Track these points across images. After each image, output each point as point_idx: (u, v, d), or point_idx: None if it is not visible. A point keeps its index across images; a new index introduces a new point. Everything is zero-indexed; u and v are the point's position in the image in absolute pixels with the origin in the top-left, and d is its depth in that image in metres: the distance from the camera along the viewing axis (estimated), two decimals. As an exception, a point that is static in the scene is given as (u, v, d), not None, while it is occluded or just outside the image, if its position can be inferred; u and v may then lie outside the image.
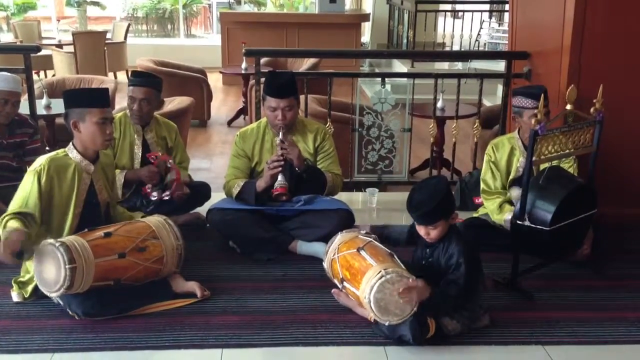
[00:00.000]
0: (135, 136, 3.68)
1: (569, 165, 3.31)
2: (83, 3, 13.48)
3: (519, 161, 3.40)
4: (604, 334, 2.74)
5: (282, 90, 3.38)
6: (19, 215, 2.70)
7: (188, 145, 5.31)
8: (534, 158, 2.83)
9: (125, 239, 2.78)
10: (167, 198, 3.50)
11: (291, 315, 2.83)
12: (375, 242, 2.80)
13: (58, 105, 5.03)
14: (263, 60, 6.17)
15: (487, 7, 10.63)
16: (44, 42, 9.91)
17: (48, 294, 2.67)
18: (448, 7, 10.10)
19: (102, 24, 14.28)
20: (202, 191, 3.81)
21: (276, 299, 2.96)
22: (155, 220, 2.96)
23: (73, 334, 2.64)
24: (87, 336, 2.63)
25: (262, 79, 3.88)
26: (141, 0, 15.49)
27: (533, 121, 2.79)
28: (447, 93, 4.79)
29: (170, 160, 3.56)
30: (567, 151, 2.99)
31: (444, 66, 9.52)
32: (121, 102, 6.14)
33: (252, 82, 6.22)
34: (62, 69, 8.93)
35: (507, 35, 6.33)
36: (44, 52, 8.02)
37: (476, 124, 4.44)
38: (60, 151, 2.91)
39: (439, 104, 5.05)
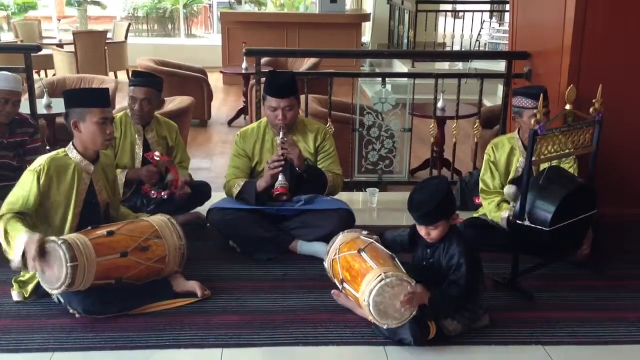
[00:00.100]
0: (136, 136, 3.68)
1: (569, 165, 3.32)
2: (83, 2, 13.49)
3: (518, 161, 3.40)
4: (603, 334, 2.74)
5: (283, 90, 3.38)
6: (19, 215, 2.71)
7: (188, 144, 5.31)
8: (533, 158, 2.84)
9: (128, 237, 2.78)
10: (165, 197, 3.50)
11: (291, 314, 2.83)
12: (377, 244, 2.79)
13: (58, 105, 5.03)
14: (263, 60, 6.17)
15: (487, 7, 10.63)
16: (45, 41, 9.92)
17: (49, 291, 2.67)
18: (448, 7, 10.10)
19: (102, 23, 14.29)
20: (202, 191, 3.81)
21: (276, 299, 2.97)
22: (158, 219, 2.96)
23: (73, 333, 2.65)
24: (87, 335, 2.63)
25: (263, 79, 3.89)
26: (142, -1, 15.53)
27: (533, 121, 2.79)
28: (448, 93, 4.79)
29: (168, 161, 3.55)
30: (567, 151, 2.99)
31: (444, 66, 9.52)
32: (121, 102, 6.14)
33: (252, 81, 6.22)
34: (62, 69, 8.93)
35: (507, 35, 6.34)
36: (44, 51, 8.02)
37: (476, 124, 4.44)
38: (60, 151, 2.91)
39: (440, 104, 5.05)
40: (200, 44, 13.59)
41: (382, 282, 2.48)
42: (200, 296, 2.91)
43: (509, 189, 3.27)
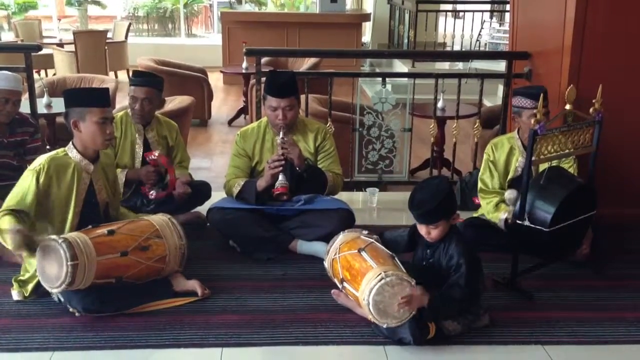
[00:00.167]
0: (137, 135, 3.69)
1: (569, 166, 3.32)
2: (84, 2, 13.49)
3: (517, 161, 3.40)
4: (603, 334, 2.74)
5: (283, 90, 3.38)
6: (13, 212, 2.71)
7: (188, 144, 5.31)
8: (533, 158, 2.84)
9: (129, 237, 2.78)
10: (162, 198, 3.51)
11: (291, 314, 2.83)
12: (377, 244, 2.79)
13: (59, 104, 5.03)
14: (264, 59, 6.18)
15: (488, 7, 10.63)
16: (45, 41, 9.92)
17: (49, 290, 2.68)
18: (449, 7, 10.10)
19: (102, 23, 14.30)
20: (202, 190, 3.81)
21: (276, 298, 2.97)
22: (159, 219, 2.96)
23: (73, 332, 2.65)
24: (87, 335, 2.63)
25: (263, 79, 3.88)
26: (142, -1, 15.53)
27: (532, 121, 2.79)
28: (448, 93, 4.80)
29: (166, 162, 3.55)
30: (567, 151, 2.99)
31: (444, 66, 9.52)
32: (122, 102, 6.14)
33: (252, 81, 6.22)
34: (62, 68, 8.93)
35: (507, 35, 6.34)
36: (44, 51, 8.01)
37: (476, 124, 4.44)
38: (60, 150, 2.91)
39: (440, 104, 5.05)
40: (201, 43, 13.59)
41: (382, 281, 2.48)
42: (200, 295, 2.92)
43: (510, 194, 3.27)
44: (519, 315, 2.86)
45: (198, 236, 3.53)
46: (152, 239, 2.84)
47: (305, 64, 7.48)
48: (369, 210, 4.14)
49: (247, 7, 14.68)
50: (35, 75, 4.52)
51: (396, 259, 2.71)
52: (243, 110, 7.45)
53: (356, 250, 2.73)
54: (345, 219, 3.37)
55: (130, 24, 10.77)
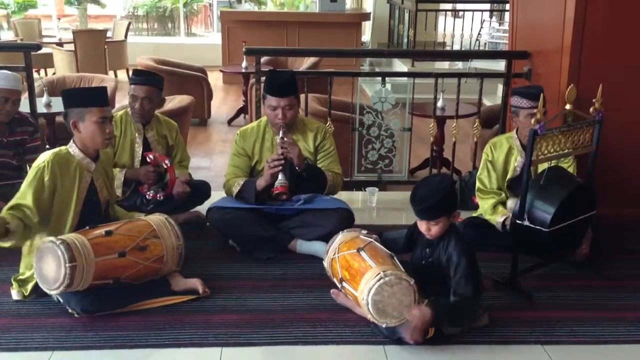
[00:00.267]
0: (136, 134, 3.68)
1: (568, 165, 3.32)
2: (83, 1, 13.49)
3: (516, 161, 3.40)
4: (603, 333, 2.74)
5: (283, 89, 3.38)
6: (14, 210, 2.71)
7: (188, 143, 5.30)
8: (532, 158, 2.83)
9: (126, 237, 2.78)
10: (160, 198, 3.51)
11: (291, 314, 2.83)
12: (376, 243, 2.79)
13: (58, 104, 5.00)
14: (263, 59, 6.16)
15: (487, 6, 10.64)
16: (45, 40, 9.92)
17: (47, 292, 2.67)
18: (448, 6, 10.09)
19: (102, 22, 14.29)
20: (202, 190, 3.81)
21: (276, 298, 2.97)
22: (156, 219, 2.96)
23: (73, 332, 2.65)
24: (87, 334, 2.63)
25: (263, 78, 3.88)
26: (142, -2, 15.53)
27: (533, 120, 2.79)
28: (448, 92, 4.79)
29: (166, 162, 3.55)
30: (566, 151, 2.99)
31: (444, 66, 9.52)
32: (122, 101, 6.14)
33: (252, 81, 6.22)
34: (62, 67, 8.93)
35: (507, 34, 6.34)
36: (44, 50, 8.02)
37: (476, 124, 4.44)
38: (62, 148, 2.91)
39: (439, 104, 5.05)
40: (200, 43, 13.60)
41: (381, 280, 2.48)
42: (201, 293, 2.92)
43: (512, 203, 3.28)
44: (518, 315, 2.86)
45: (198, 236, 3.54)
46: (150, 239, 2.84)
47: (305, 64, 7.48)
48: (369, 209, 4.14)
49: (246, 7, 14.68)
50: (35, 75, 4.51)
51: (395, 258, 2.71)
52: (243, 110, 7.45)
53: (355, 250, 2.73)
54: (345, 219, 3.37)
55: (129, 23, 10.76)
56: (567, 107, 2.96)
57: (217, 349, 2.57)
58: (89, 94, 2.99)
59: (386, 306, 2.50)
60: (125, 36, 10.09)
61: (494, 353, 2.60)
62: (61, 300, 2.77)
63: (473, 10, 9.84)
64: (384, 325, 2.55)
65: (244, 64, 7.47)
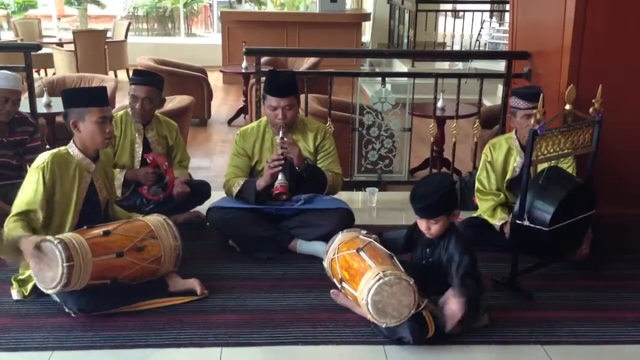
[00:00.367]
0: (136, 135, 3.68)
1: (567, 165, 3.32)
2: (83, 2, 13.49)
3: (515, 161, 3.40)
4: (603, 334, 2.74)
5: (283, 89, 3.38)
6: (23, 217, 2.73)
7: (188, 144, 5.31)
8: (532, 158, 2.83)
9: (124, 238, 2.78)
10: (160, 199, 3.50)
11: (291, 314, 2.83)
12: (375, 243, 2.79)
13: (58, 104, 5.01)
14: (263, 59, 6.16)
15: (487, 7, 10.63)
16: (45, 40, 9.92)
17: (44, 290, 2.67)
18: (449, 6, 10.09)
19: (102, 22, 14.30)
20: (202, 190, 3.81)
21: (276, 298, 2.97)
22: (154, 219, 2.96)
23: (72, 332, 2.65)
24: (87, 334, 2.63)
25: (263, 78, 3.88)
26: (142, -2, 15.54)
27: (532, 121, 2.78)
28: (448, 93, 4.79)
29: (165, 164, 3.55)
30: (566, 151, 2.98)
31: (444, 66, 9.52)
32: (122, 101, 6.14)
33: (252, 81, 6.22)
34: (62, 68, 8.93)
35: (507, 35, 6.34)
36: (44, 50, 8.02)
37: (476, 124, 4.44)
38: (62, 148, 2.91)
39: (439, 104, 5.05)
40: (201, 43, 13.61)
41: (381, 280, 2.48)
42: (199, 293, 2.91)
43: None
44: (518, 315, 2.86)
45: (197, 236, 3.54)
46: (148, 240, 2.83)
47: (305, 64, 7.48)
48: (369, 210, 4.14)
49: (246, 7, 14.69)
50: (35, 75, 4.51)
51: (394, 258, 2.71)
52: (243, 110, 7.45)
53: (355, 250, 2.73)
54: (345, 219, 3.37)
55: (129, 24, 10.77)
56: (567, 107, 2.96)
57: (217, 349, 2.57)
58: (89, 94, 2.99)
59: (386, 306, 2.50)
60: (126, 36, 10.09)
61: (494, 353, 2.61)
62: (58, 300, 2.77)
63: (473, 11, 9.85)
64: (384, 326, 2.55)
65: (244, 64, 7.48)
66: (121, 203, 3.45)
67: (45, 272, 2.60)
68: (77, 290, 2.65)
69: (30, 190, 2.77)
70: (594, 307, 2.95)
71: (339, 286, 2.81)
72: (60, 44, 9.48)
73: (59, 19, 12.76)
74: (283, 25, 10.10)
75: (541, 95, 3.00)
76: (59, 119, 4.94)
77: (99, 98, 2.90)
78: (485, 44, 10.42)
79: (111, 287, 2.74)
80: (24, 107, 4.03)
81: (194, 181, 3.81)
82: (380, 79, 4.47)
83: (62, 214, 2.86)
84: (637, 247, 3.62)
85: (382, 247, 2.77)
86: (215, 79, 9.16)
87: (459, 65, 9.07)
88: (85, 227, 2.78)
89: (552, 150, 2.90)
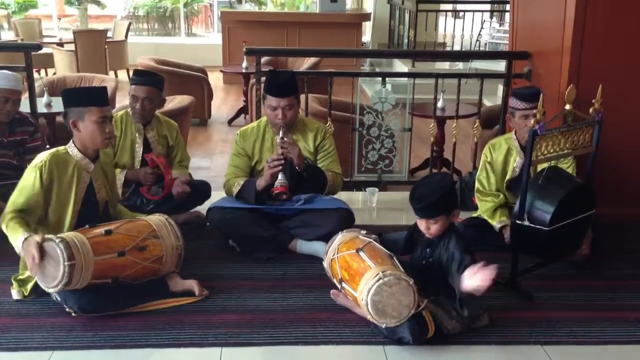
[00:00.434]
0: (137, 135, 3.69)
1: (567, 165, 3.32)
2: (84, 1, 13.49)
3: (515, 161, 3.40)
4: (603, 334, 2.74)
5: (283, 89, 3.38)
6: (20, 215, 2.72)
7: (188, 144, 5.31)
8: (532, 158, 2.83)
9: (126, 237, 2.78)
10: (158, 199, 3.50)
11: (291, 314, 2.83)
12: (375, 243, 2.79)
13: (59, 104, 5.00)
14: (264, 59, 6.17)
15: (488, 7, 10.64)
16: (45, 40, 9.92)
17: (46, 289, 2.67)
18: (449, 7, 10.10)
19: (102, 22, 14.31)
20: (202, 190, 3.81)
21: (276, 298, 2.97)
22: (156, 219, 2.96)
23: (73, 332, 2.65)
24: (87, 334, 2.63)
25: (263, 78, 3.88)
26: (142, -2, 15.55)
27: (532, 121, 2.78)
28: (448, 93, 4.79)
29: (164, 164, 3.54)
30: (566, 151, 2.98)
31: (444, 66, 9.52)
32: (122, 101, 6.14)
33: (252, 81, 6.22)
34: (62, 67, 8.93)
35: (507, 35, 6.34)
36: (44, 50, 8.02)
37: (476, 124, 4.44)
38: (61, 148, 2.91)
39: (440, 104, 5.05)
40: (201, 43, 13.62)
41: (380, 281, 2.48)
42: (197, 294, 2.91)
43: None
44: (518, 315, 2.86)
45: (198, 236, 3.54)
46: (150, 239, 2.83)
47: (305, 64, 7.48)
48: (369, 210, 4.14)
49: (247, 7, 14.70)
50: (35, 75, 4.53)
51: (394, 258, 2.71)
52: (243, 110, 7.45)
53: (354, 251, 2.72)
54: (345, 219, 3.37)
55: (130, 24, 10.77)
56: (567, 107, 2.96)
57: (217, 349, 2.57)
58: (89, 94, 2.99)
59: (385, 306, 2.50)
60: (126, 36, 10.09)
61: (493, 353, 2.61)
62: (59, 299, 2.77)
63: (473, 11, 9.85)
64: (384, 326, 2.55)
65: (244, 64, 7.48)
66: (121, 203, 3.45)
67: (47, 271, 2.60)
68: (78, 289, 2.65)
69: (26, 189, 2.77)
70: (594, 307, 2.96)
71: (338, 286, 2.81)
72: (60, 44, 9.48)
73: (60, 19, 12.78)
74: (283, 25, 10.11)
75: (541, 95, 3.00)
76: (60, 118, 4.94)
77: (99, 98, 2.90)
78: (486, 44, 10.42)
79: (112, 287, 2.74)
80: (24, 107, 4.03)
81: (194, 181, 3.81)
82: (380, 79, 4.47)
83: (59, 214, 2.86)
84: (637, 247, 3.62)
85: (381, 248, 2.76)
86: (215, 79, 9.16)
87: (459, 66, 9.07)
88: (87, 226, 2.78)
89: (552, 151, 2.90)
